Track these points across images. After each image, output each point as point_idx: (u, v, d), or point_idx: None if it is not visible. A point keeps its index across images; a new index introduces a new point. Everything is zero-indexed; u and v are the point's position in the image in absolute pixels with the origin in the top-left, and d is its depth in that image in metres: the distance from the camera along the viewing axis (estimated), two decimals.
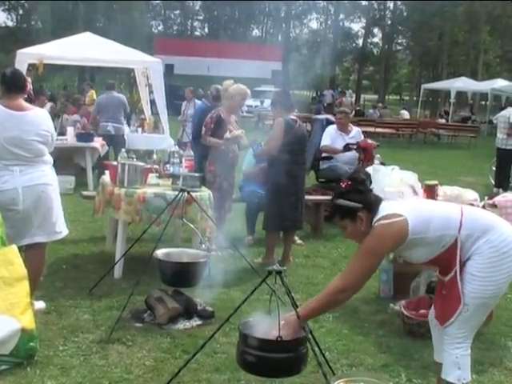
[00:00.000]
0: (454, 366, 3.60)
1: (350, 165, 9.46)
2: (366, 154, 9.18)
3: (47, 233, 5.24)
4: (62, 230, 5.40)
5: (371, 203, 3.62)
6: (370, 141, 9.56)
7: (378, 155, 8.56)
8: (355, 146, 9.36)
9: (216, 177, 7.29)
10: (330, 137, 9.52)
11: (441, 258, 3.60)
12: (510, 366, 4.88)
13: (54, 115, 12.85)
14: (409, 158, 18.30)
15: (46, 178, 5.17)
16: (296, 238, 8.02)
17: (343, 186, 3.68)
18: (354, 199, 3.60)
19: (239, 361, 3.78)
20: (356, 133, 9.75)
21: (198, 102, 14.03)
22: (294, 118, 7.20)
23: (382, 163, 7.50)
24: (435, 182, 6.13)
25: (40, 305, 5.34)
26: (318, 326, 5.35)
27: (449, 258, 3.55)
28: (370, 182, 3.72)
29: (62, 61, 14.46)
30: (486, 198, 5.79)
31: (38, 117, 5.12)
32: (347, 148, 9.35)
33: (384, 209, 3.60)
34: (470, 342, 3.65)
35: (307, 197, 8.27)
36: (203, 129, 7.42)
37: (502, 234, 3.54)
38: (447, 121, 30.95)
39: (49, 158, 5.26)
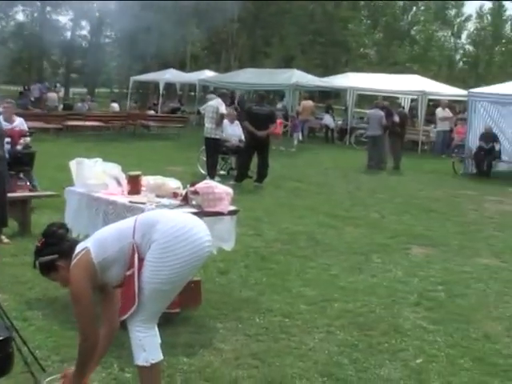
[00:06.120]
0: (139, 348, 3.73)
1: None
2: (13, 140, 10.08)
3: None
4: None
5: (65, 250, 3.85)
6: (17, 129, 10.44)
7: (28, 139, 10.80)
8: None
9: None
10: None
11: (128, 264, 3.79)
12: (219, 346, 5.14)
13: None
14: (116, 150, 18.14)
15: None
16: (3, 237, 7.76)
17: (39, 244, 3.90)
18: (49, 253, 3.84)
19: None
20: (19, 122, 10.69)
21: None
22: None
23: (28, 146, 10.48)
24: (138, 173, 6.20)
25: None
26: (28, 325, 5.25)
27: (132, 261, 3.74)
28: (67, 230, 3.99)
29: None
30: (188, 185, 6.01)
31: None
32: None
33: (77, 248, 3.81)
34: (151, 326, 3.79)
35: (11, 194, 8.03)
36: None
37: (171, 220, 3.80)
38: (156, 112, 31.56)
39: None
